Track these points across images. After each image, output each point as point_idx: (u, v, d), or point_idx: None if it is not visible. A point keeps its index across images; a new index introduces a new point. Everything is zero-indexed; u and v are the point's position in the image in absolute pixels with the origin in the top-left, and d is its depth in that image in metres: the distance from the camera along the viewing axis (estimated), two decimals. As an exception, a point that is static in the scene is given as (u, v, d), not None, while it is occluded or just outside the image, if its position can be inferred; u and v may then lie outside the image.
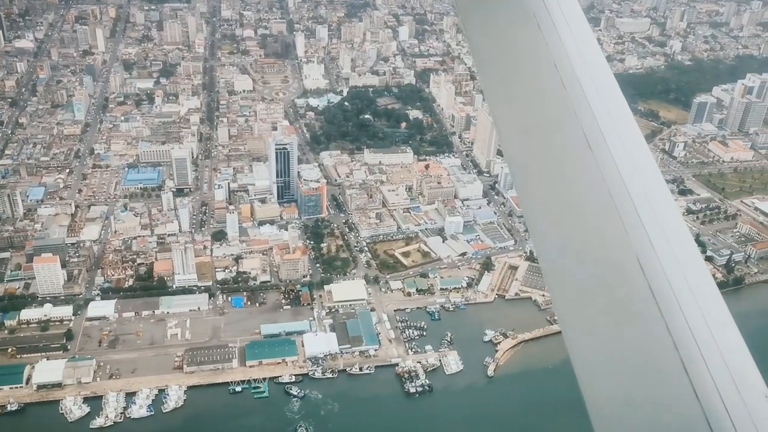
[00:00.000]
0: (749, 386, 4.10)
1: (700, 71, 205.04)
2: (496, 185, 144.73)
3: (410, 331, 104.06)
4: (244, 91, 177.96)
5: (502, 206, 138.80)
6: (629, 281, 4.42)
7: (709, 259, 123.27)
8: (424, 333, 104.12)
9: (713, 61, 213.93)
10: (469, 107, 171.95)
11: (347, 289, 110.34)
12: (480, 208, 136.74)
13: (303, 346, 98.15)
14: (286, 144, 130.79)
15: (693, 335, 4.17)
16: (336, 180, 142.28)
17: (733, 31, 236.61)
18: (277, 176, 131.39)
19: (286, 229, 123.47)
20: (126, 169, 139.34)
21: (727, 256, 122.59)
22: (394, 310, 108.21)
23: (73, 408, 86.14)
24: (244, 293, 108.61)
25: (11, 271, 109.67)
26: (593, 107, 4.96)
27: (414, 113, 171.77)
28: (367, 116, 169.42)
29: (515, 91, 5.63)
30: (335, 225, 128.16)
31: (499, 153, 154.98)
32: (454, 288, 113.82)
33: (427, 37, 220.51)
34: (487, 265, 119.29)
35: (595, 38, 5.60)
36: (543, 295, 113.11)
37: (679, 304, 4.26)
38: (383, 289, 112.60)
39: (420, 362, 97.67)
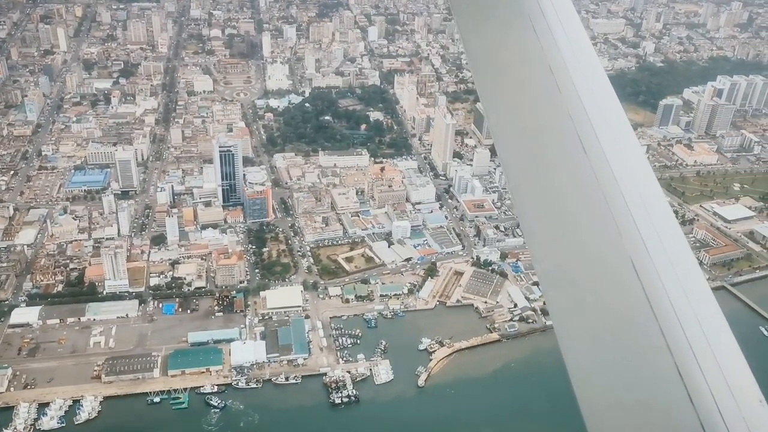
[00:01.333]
0: (744, 391, 4.08)
1: (672, 73, 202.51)
2: (451, 188, 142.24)
3: (344, 339, 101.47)
4: (204, 91, 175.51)
5: (455, 210, 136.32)
6: (623, 284, 4.43)
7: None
8: (358, 341, 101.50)
9: (686, 62, 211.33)
10: (431, 109, 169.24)
11: (283, 296, 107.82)
12: (432, 212, 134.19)
13: (230, 354, 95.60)
14: (230, 146, 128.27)
15: (687, 339, 4.17)
16: (287, 183, 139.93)
17: (710, 32, 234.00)
18: (222, 179, 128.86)
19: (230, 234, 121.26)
20: (72, 171, 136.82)
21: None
22: (330, 318, 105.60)
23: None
24: (177, 299, 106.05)
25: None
26: (588, 110, 4.96)
27: (375, 115, 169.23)
28: (327, 117, 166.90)
29: (510, 93, 5.65)
30: (281, 229, 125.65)
31: (457, 155, 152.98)
32: (395, 294, 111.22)
33: (397, 38, 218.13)
34: (432, 271, 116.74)
35: (590, 41, 5.51)
36: (485, 302, 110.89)
37: (674, 308, 4.25)
38: (321, 296, 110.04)
39: (349, 372, 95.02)
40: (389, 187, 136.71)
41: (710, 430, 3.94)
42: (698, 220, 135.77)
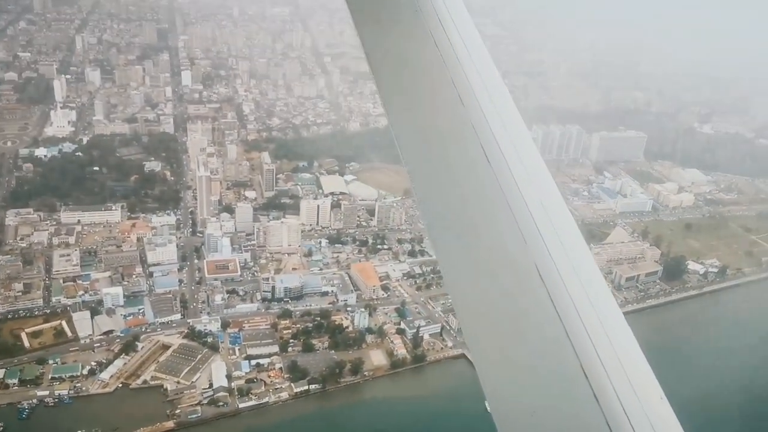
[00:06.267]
0: (646, 389, 4.23)
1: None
2: (202, 247, 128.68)
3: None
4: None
5: (198, 272, 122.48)
6: (529, 289, 4.52)
7: (400, 331, 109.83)
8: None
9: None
10: (217, 159, 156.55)
11: None
12: (167, 274, 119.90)
13: None
14: None
15: (591, 340, 4.26)
16: (8, 243, 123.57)
17: (548, 81, 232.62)
18: None
19: None
20: None
21: (417, 329, 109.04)
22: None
23: None
24: None
25: None
26: (490, 122, 5.07)
27: (152, 165, 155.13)
28: (95, 168, 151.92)
29: (416, 108, 5.62)
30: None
31: (227, 210, 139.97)
32: (70, 376, 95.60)
33: (216, 83, 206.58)
34: (129, 346, 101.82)
35: (490, 55, 5.60)
36: (177, 382, 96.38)
37: (577, 310, 4.33)
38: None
39: (-44, 481, 78.46)
40: (117, 247, 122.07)
41: (615, 427, 4.06)
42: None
